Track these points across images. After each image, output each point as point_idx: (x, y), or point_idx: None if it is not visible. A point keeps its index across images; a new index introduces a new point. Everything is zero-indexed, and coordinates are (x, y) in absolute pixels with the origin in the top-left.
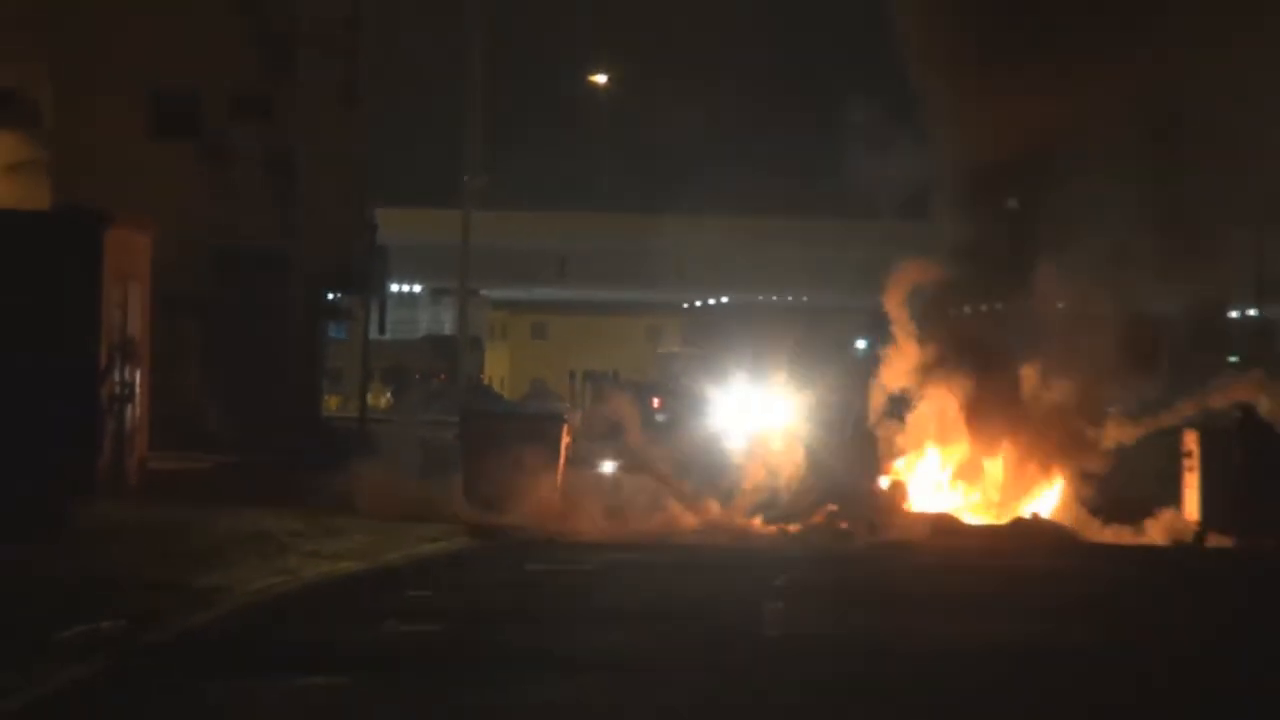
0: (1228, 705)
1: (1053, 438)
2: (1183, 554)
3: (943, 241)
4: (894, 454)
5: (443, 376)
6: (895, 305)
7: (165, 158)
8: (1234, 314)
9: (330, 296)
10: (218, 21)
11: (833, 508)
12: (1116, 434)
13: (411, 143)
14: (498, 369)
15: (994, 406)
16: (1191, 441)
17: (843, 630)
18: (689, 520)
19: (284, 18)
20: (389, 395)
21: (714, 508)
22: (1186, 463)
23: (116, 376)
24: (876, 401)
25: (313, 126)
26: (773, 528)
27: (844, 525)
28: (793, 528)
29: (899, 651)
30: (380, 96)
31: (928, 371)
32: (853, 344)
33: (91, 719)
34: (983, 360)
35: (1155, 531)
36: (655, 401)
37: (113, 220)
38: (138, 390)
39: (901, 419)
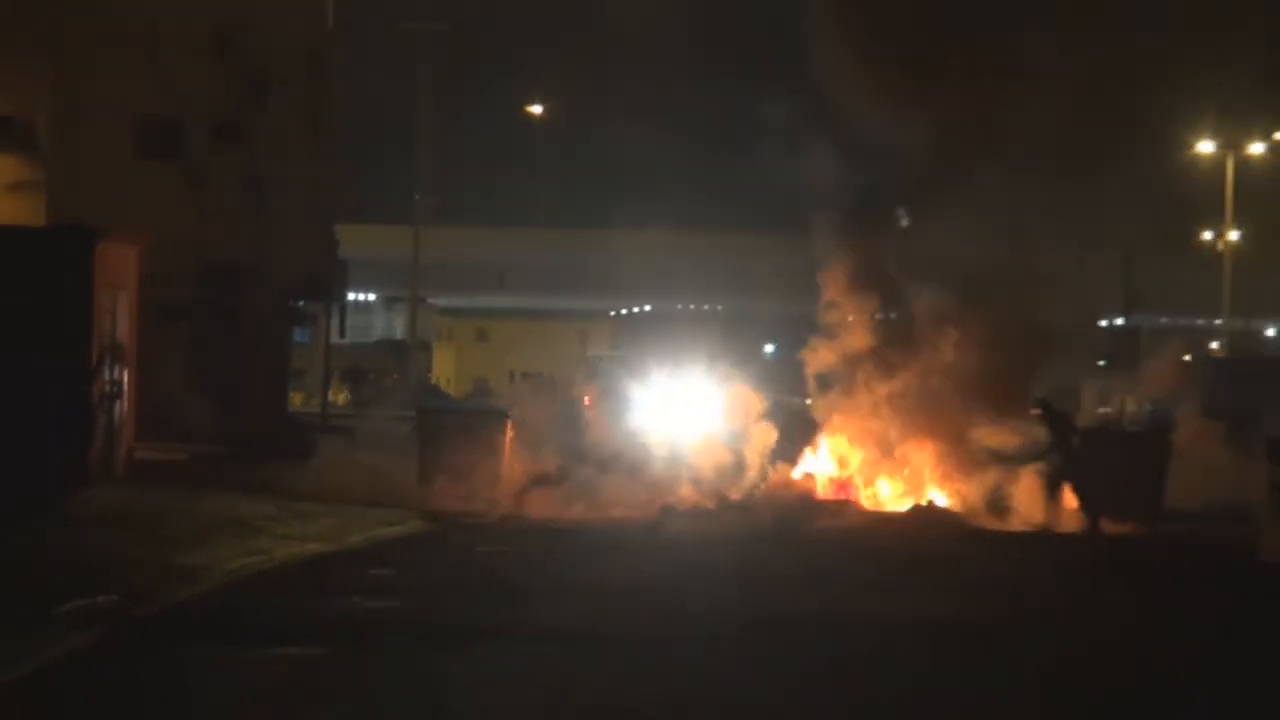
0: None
1: (950, 434)
2: (1058, 539)
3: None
4: (812, 440)
5: (395, 376)
6: (836, 290)
7: (151, 179)
8: (1103, 322)
9: (296, 303)
10: (198, 57)
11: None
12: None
13: (367, 165)
14: (444, 369)
15: (901, 406)
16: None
17: (778, 608)
18: (639, 505)
19: (258, 55)
20: (347, 392)
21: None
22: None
23: (107, 375)
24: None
25: (282, 152)
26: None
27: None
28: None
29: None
30: (341, 123)
31: (849, 365)
32: (762, 348)
33: (90, 685)
34: (890, 363)
35: (1039, 518)
36: (586, 399)
37: (104, 235)
38: (125, 388)
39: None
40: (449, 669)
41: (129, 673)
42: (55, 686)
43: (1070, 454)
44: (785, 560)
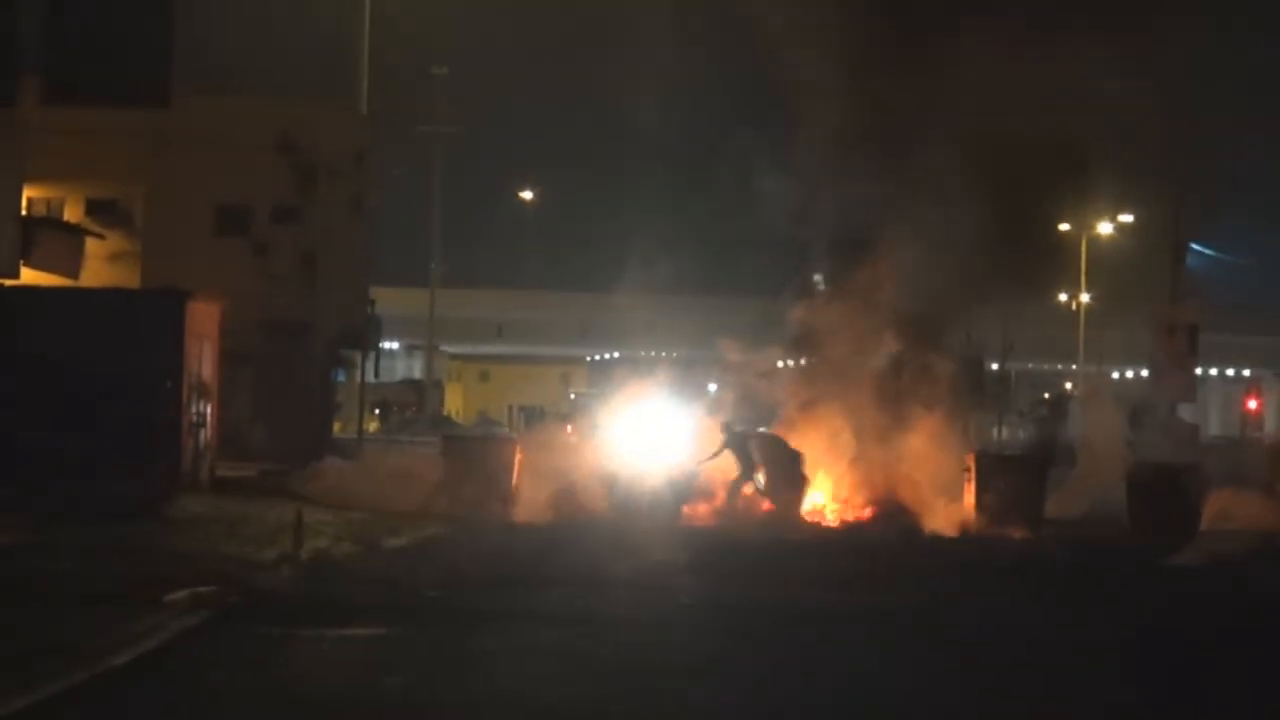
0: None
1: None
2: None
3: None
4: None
5: (414, 409)
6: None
7: (224, 251)
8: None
9: (338, 350)
10: (263, 153)
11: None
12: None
13: (394, 239)
14: (454, 403)
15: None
16: (969, 460)
17: (733, 598)
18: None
19: (310, 152)
20: (378, 421)
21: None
22: (966, 475)
23: (194, 408)
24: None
25: (329, 229)
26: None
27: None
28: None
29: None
30: (375, 206)
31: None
32: (707, 387)
33: (203, 657)
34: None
35: (945, 524)
36: (569, 428)
37: (192, 296)
38: (209, 418)
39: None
40: (486, 645)
41: (230, 648)
42: (174, 660)
43: (749, 465)
44: (747, 560)
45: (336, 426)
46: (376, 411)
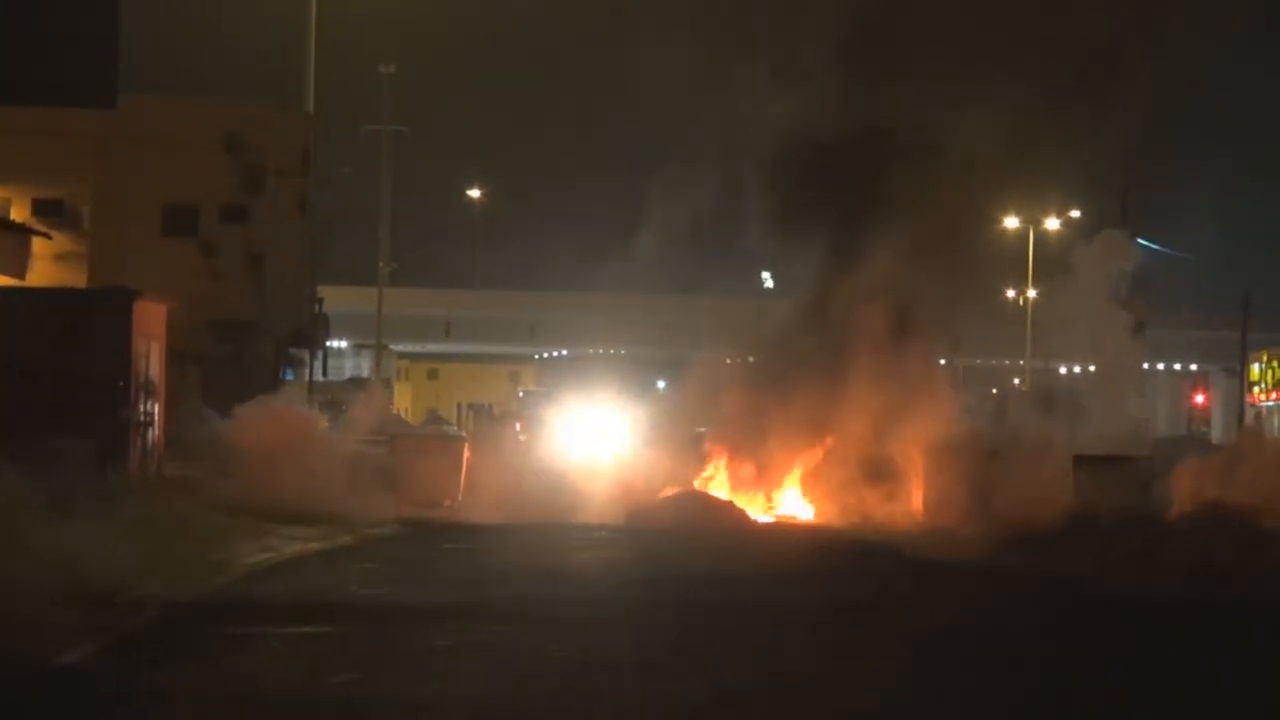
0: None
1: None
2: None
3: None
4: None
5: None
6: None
7: (173, 251)
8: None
9: (286, 349)
10: (211, 154)
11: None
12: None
13: (342, 237)
14: (403, 402)
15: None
16: (917, 457)
17: (683, 590)
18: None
19: (258, 153)
20: (326, 420)
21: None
22: (915, 471)
23: (142, 408)
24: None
25: (277, 229)
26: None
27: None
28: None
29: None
30: (321, 204)
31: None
32: (655, 384)
33: (153, 656)
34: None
35: (893, 520)
36: (518, 425)
37: (139, 296)
38: (157, 418)
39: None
40: (434, 642)
41: (178, 646)
42: (122, 658)
43: None
44: (679, 555)
45: None
46: (326, 413)
